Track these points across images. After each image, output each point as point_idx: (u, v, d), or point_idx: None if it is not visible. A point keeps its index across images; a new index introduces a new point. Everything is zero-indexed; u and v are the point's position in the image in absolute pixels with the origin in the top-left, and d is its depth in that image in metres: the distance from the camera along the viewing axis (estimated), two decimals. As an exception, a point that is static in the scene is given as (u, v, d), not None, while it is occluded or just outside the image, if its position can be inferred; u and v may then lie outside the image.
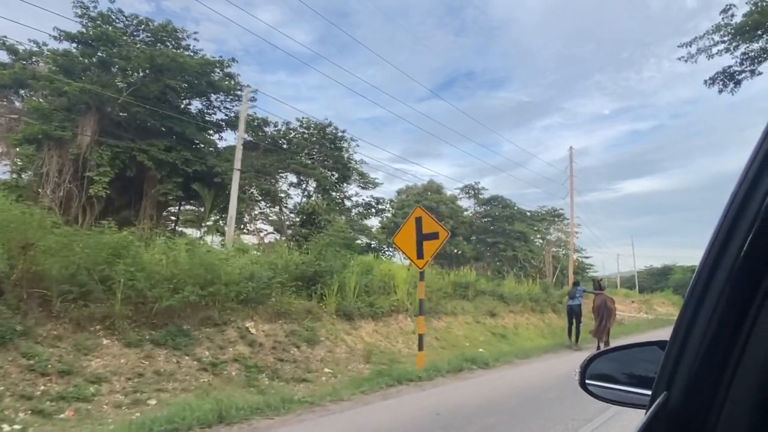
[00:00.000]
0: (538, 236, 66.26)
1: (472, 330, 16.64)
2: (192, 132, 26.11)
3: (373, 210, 42.06)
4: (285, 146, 29.85)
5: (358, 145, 34.92)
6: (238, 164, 20.25)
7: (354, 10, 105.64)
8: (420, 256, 11.32)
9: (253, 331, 10.09)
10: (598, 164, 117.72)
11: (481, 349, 15.30)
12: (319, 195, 31.97)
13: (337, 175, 33.47)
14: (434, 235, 11.34)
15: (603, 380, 1.71)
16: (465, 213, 57.47)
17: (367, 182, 39.46)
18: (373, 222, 52.55)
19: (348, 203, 41.52)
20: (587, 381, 1.74)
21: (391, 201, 42.35)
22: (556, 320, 23.11)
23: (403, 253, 12.09)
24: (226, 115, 28.66)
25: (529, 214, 60.66)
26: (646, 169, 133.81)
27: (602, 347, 16.31)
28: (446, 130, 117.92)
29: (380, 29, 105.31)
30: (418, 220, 11.54)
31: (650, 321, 30.51)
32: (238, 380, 8.68)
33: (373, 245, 57.00)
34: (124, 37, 24.07)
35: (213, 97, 28.04)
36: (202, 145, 27.07)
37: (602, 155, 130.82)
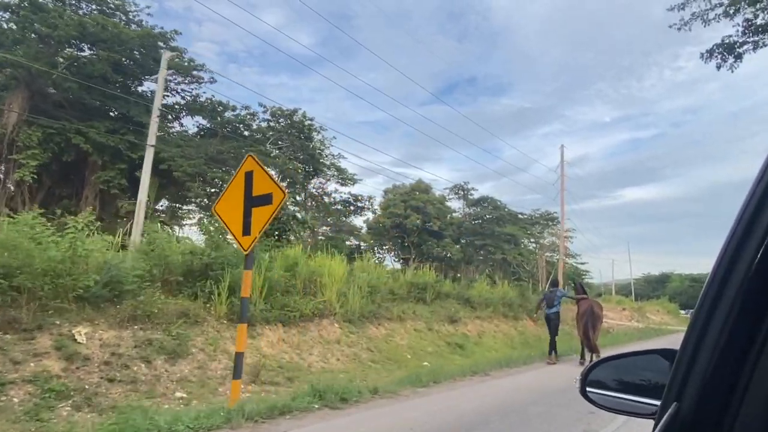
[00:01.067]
0: (531, 240, 63.68)
1: (420, 339, 13.91)
2: (139, 114, 23.48)
3: (352, 207, 39.40)
4: (246, 133, 27.20)
5: (335, 138, 32.31)
6: (151, 139, 17.56)
7: (356, 13, 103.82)
8: (246, 231, 7.59)
9: (81, 339, 7.38)
10: (597, 172, 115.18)
11: (426, 363, 12.58)
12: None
13: (309, 169, 30.81)
14: (266, 199, 7.55)
15: (604, 388, 1.69)
16: (455, 214, 54.80)
17: (345, 178, 36.88)
18: (358, 222, 50.26)
19: (326, 200, 39.12)
20: (588, 389, 1.73)
21: (370, 198, 39.49)
22: (533, 328, 20.35)
23: (225, 226, 8.11)
24: (183, 98, 26.09)
25: (522, 216, 58.02)
26: (645, 177, 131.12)
27: (594, 359, 13.69)
28: (446, 134, 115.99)
29: (382, 33, 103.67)
30: (248, 176, 7.80)
31: (641, 330, 27.68)
32: (19, 411, 6.01)
33: (363, 247, 54.61)
34: (64, 8, 21.55)
35: (168, 78, 25.52)
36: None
37: (602, 163, 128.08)
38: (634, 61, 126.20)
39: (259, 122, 27.88)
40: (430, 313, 15.87)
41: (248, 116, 25.80)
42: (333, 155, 35.16)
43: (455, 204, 56.13)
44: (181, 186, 23.02)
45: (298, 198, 30.57)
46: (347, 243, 54.19)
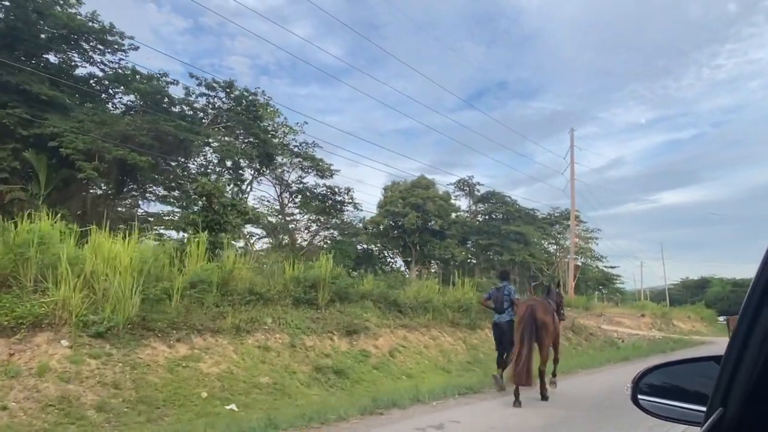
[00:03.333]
0: (550, 241, 57.28)
1: (259, 363, 8.70)
2: (41, 89, 19.21)
3: (329, 202, 34.45)
4: (176, 110, 22.64)
5: (306, 123, 27.55)
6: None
7: (384, 22, 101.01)
8: None
9: None
10: (632, 175, 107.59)
11: (232, 406, 7.45)
12: (228, 174, 24.62)
13: (256, 153, 26.09)
14: None
15: (656, 396, 1.64)
16: (460, 213, 49.10)
17: (321, 170, 32.02)
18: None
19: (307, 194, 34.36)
20: (639, 396, 1.68)
21: (349, 190, 34.36)
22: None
23: None
24: (102, 70, 21.71)
25: (540, 216, 51.72)
26: (683, 179, 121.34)
27: (518, 392, 8.37)
28: (476, 140, 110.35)
29: (410, 41, 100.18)
30: None
31: (654, 342, 21.58)
32: None
33: (372, 251, 49.55)
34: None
35: (86, 46, 21.25)
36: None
37: (637, 166, 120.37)
38: (669, 61, 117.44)
39: (196, 97, 23.30)
40: (313, 322, 10.69)
41: (165, 85, 21.15)
42: (307, 143, 30.54)
43: (464, 202, 50.62)
44: (72, 165, 18.60)
45: (243, 187, 25.77)
46: (358, 247, 49.67)
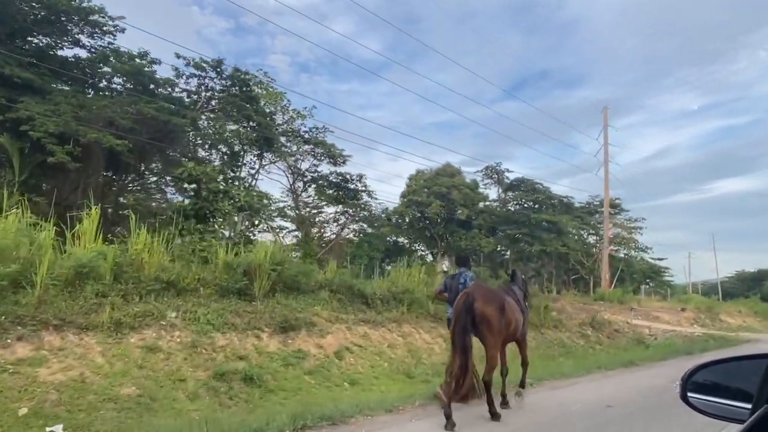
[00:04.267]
0: (590, 232, 53.47)
1: (136, 365, 6.82)
2: (14, 71, 18.10)
3: (340, 192, 32.47)
4: (163, 92, 21.18)
5: (315, 107, 25.80)
6: None
7: (423, 16, 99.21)
8: None
9: None
10: (682, 164, 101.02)
11: (55, 428, 5.60)
12: (223, 159, 23.04)
13: (253, 137, 24.39)
14: None
15: (706, 393, 1.62)
16: (488, 202, 46.16)
17: (333, 156, 30.16)
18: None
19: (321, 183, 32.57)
20: (689, 394, 1.66)
21: (361, 177, 32.29)
22: None
23: None
24: (90, 51, 20.43)
25: (578, 205, 48.16)
26: (739, 167, 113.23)
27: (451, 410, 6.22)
28: (518, 132, 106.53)
29: (448, 34, 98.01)
30: None
31: (692, 340, 18.52)
32: None
33: (402, 243, 47.51)
34: None
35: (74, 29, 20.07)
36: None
37: (688, 154, 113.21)
38: (721, 44, 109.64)
39: (186, 79, 21.79)
40: (238, 316, 8.74)
41: (148, 65, 19.63)
42: (317, 128, 28.73)
43: (493, 191, 47.63)
44: (42, 149, 17.35)
45: (244, 174, 24.11)
46: (389, 239, 47.67)
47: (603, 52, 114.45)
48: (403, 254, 48.46)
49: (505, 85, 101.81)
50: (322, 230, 48.69)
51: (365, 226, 49.24)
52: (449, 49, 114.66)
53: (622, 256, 55.87)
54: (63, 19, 19.85)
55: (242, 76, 21.90)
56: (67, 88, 19.29)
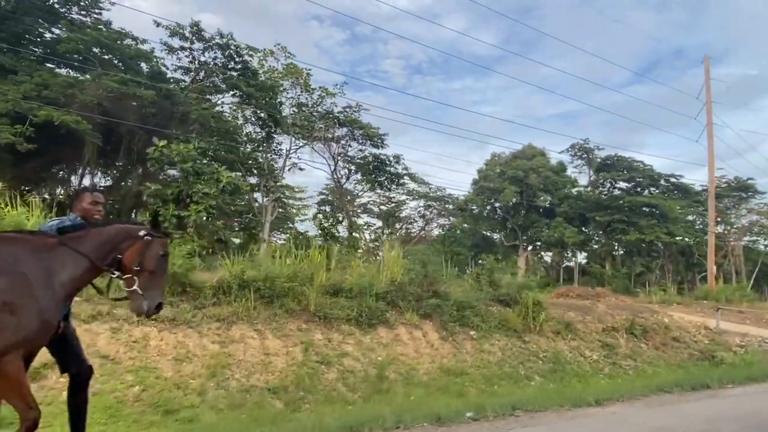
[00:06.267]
0: (717, 220, 43.65)
1: None
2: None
3: (385, 176, 28.72)
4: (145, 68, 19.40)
5: (346, 83, 22.65)
6: None
7: (540, 3, 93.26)
8: None
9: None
10: None
11: None
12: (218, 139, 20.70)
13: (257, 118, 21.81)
14: None
15: None
16: (579, 187, 39.25)
17: (370, 136, 26.81)
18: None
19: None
20: None
21: (397, 157, 28.24)
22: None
23: None
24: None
25: (697, 189, 39.19)
26: None
27: None
28: (650, 117, 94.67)
29: (568, 19, 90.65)
30: None
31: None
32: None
33: (492, 238, 42.82)
34: None
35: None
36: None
37: None
38: None
39: (171, 53, 19.82)
40: None
41: (120, 37, 17.83)
42: (351, 107, 25.62)
43: (585, 176, 40.52)
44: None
45: (236, 153, 21.48)
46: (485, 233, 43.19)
47: (750, 20, 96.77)
48: (494, 248, 43.71)
49: (634, 67, 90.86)
50: (408, 226, 45.69)
51: (453, 219, 45.17)
52: (569, 35, 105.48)
53: (762, 248, 45.04)
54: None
55: (226, 41, 19.36)
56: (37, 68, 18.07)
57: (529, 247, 39.36)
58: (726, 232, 43.02)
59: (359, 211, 41.31)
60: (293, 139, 24.12)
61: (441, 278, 10.34)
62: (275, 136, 22.32)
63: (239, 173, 20.81)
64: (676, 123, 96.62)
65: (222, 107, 21.95)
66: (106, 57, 18.34)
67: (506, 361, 9.20)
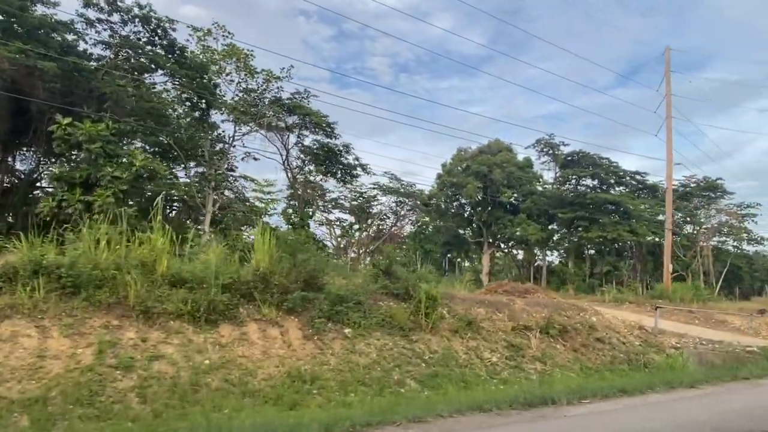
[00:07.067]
0: (686, 219, 42.75)
1: None
2: None
3: (333, 166, 27.25)
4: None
5: (293, 68, 21.04)
6: None
7: (527, 5, 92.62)
8: None
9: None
10: None
11: None
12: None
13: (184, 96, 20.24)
14: None
15: None
16: (546, 183, 37.95)
17: (320, 125, 25.33)
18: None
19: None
20: None
21: (347, 146, 26.76)
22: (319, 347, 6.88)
23: None
24: None
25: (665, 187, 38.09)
26: None
27: None
28: (634, 120, 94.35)
29: (555, 21, 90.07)
30: None
31: (738, 358, 10.81)
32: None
33: (463, 235, 41.39)
34: None
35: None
36: None
37: None
38: None
39: (88, 26, 18.15)
40: None
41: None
42: (300, 93, 24.10)
43: (548, 174, 39.17)
44: None
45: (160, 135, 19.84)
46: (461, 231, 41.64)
47: (732, 27, 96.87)
48: (465, 246, 42.38)
49: (619, 69, 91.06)
50: (379, 222, 44.07)
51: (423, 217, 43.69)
52: (556, 37, 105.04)
53: (731, 249, 44.22)
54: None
55: (145, 14, 17.77)
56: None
57: (495, 245, 38.10)
58: (695, 232, 42.25)
59: (330, 206, 39.86)
60: (237, 125, 22.63)
61: (321, 268, 8.90)
62: (211, 119, 20.73)
63: (182, 163, 19.22)
64: (656, 126, 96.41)
65: (155, 88, 20.32)
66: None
67: (380, 363, 7.83)
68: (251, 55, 21.23)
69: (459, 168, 37.12)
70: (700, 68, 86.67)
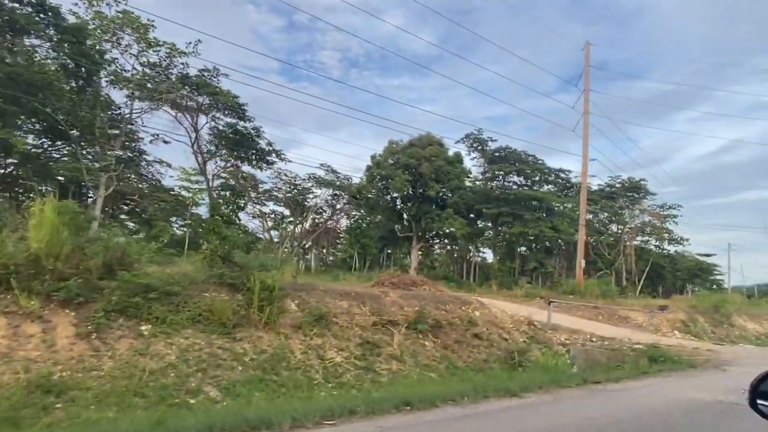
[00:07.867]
0: (612, 219, 43.33)
1: None
2: None
3: (246, 150, 25.32)
4: None
5: (200, 42, 18.99)
6: None
7: (477, 7, 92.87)
8: None
9: None
10: (756, 158, 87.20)
11: None
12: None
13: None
14: None
15: None
16: (470, 178, 37.17)
17: (228, 104, 23.35)
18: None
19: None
20: (758, 401, 1.58)
21: (256, 134, 24.94)
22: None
23: None
24: None
25: (594, 188, 38.19)
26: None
27: None
28: (574, 124, 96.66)
29: (503, 25, 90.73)
30: None
31: (620, 357, 9.91)
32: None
33: (396, 230, 39.97)
34: None
35: None
36: None
37: (763, 148, 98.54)
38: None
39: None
40: None
41: None
42: (208, 71, 22.07)
43: (476, 169, 38.50)
44: None
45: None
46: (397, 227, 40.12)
47: (668, 41, 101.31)
48: (400, 241, 41.08)
49: (563, 74, 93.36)
50: (315, 216, 42.04)
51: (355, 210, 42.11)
52: (504, 41, 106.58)
53: (653, 248, 45.18)
54: None
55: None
56: None
57: (425, 239, 37.14)
58: (620, 231, 42.92)
59: (263, 197, 37.74)
60: (132, 100, 20.43)
61: (128, 251, 7.22)
62: (105, 94, 18.40)
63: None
64: (594, 132, 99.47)
65: (32, 54, 17.82)
66: None
67: (177, 368, 6.26)
68: (152, 25, 19.11)
69: (390, 161, 35.88)
70: (635, 78, 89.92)
